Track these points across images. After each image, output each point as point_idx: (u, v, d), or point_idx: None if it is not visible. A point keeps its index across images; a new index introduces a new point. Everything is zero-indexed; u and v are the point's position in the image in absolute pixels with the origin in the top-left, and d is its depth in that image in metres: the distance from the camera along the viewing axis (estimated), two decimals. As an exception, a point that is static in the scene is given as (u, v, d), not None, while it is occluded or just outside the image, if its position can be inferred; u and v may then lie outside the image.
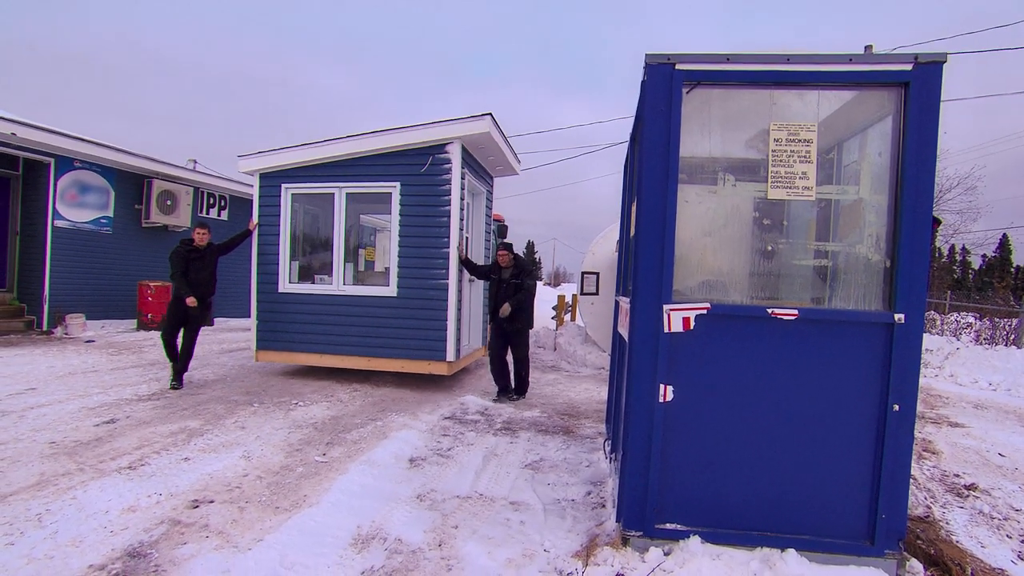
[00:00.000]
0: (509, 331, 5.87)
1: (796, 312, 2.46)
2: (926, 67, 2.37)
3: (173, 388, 5.68)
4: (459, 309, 6.26)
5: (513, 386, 6.12)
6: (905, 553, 2.51)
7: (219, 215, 12.51)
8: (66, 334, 9.03)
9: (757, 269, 2.72)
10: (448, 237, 6.10)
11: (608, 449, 3.86)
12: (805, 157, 2.53)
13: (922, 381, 7.45)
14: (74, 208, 9.52)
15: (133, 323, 10.34)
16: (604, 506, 3.22)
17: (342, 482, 3.39)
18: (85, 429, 4.24)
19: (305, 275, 6.99)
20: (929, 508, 3.46)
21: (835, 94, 2.61)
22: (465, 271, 6.35)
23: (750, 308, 2.53)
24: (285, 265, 6.62)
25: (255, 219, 6.68)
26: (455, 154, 6.09)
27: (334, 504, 3.09)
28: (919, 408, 5.17)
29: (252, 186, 6.82)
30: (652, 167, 2.53)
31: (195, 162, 12.56)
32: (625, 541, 2.58)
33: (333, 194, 6.50)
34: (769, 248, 2.71)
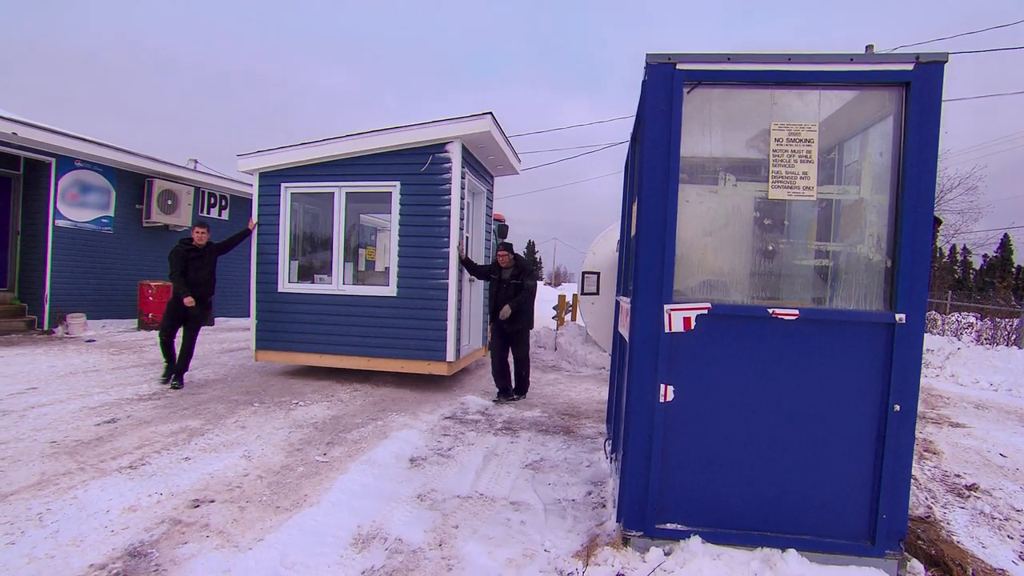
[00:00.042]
0: (509, 332, 5.86)
1: (797, 312, 2.46)
2: (927, 67, 2.37)
3: (174, 388, 5.68)
4: (459, 309, 6.24)
5: (514, 386, 6.11)
6: (906, 553, 2.51)
7: (220, 215, 12.51)
8: (67, 334, 9.03)
9: (758, 269, 2.71)
10: (448, 237, 6.09)
11: (609, 449, 3.86)
12: (806, 157, 2.52)
13: (923, 381, 7.45)
14: (75, 208, 9.52)
15: (134, 323, 10.34)
16: (605, 506, 3.21)
17: (343, 482, 3.39)
18: (86, 428, 4.24)
19: (305, 275, 6.98)
20: (930, 508, 3.45)
21: (836, 94, 2.60)
22: (465, 271, 6.33)
23: (751, 308, 2.53)
24: (284, 265, 6.61)
25: (254, 218, 6.66)
26: (455, 153, 6.08)
27: (335, 504, 3.09)
28: (920, 408, 5.16)
29: (252, 186, 6.80)
30: (653, 167, 2.53)
31: (196, 162, 12.57)
32: (626, 541, 2.57)
33: (333, 193, 6.49)
34: (770, 248, 2.71)
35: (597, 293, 9.10)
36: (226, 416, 4.79)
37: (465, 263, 6.22)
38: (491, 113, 6.15)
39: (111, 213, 10.15)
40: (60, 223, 9.28)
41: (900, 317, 2.39)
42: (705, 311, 2.51)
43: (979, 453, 4.76)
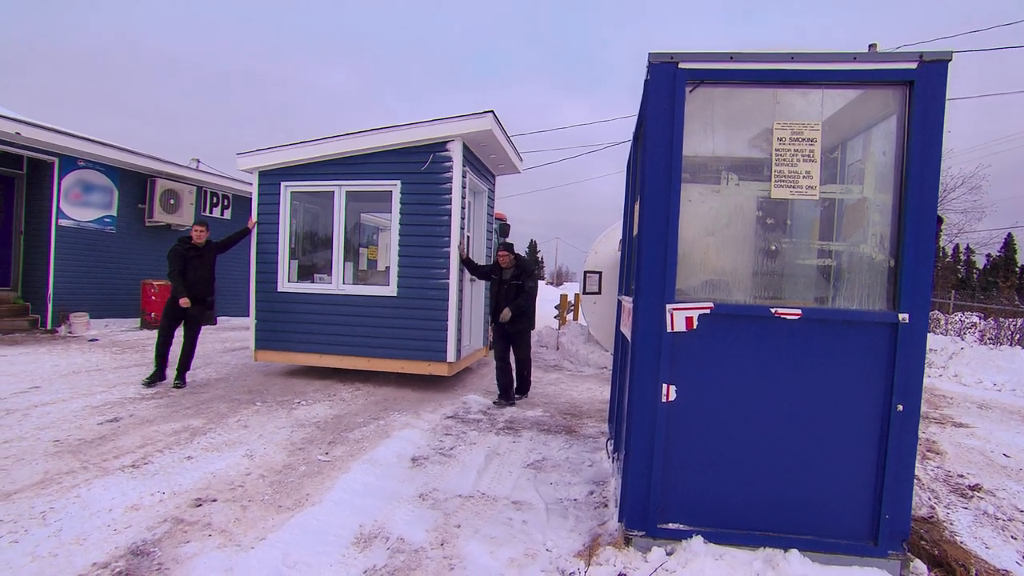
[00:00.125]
0: (511, 332, 5.83)
1: (800, 312, 2.46)
2: (931, 66, 2.36)
3: (176, 387, 5.69)
4: (460, 309, 6.22)
5: (515, 386, 6.09)
6: (909, 554, 2.50)
7: (222, 214, 12.53)
8: (70, 333, 9.06)
9: (760, 268, 2.71)
10: (449, 236, 6.07)
11: (611, 448, 3.86)
12: (809, 156, 2.52)
13: (926, 381, 7.43)
14: (78, 207, 9.55)
15: (137, 322, 10.37)
16: (607, 506, 3.21)
17: (344, 481, 3.39)
18: (89, 427, 4.25)
19: (305, 274, 6.96)
20: (933, 509, 3.44)
21: (839, 93, 2.59)
22: (466, 271, 6.32)
23: (753, 308, 2.52)
24: (284, 264, 6.59)
25: (254, 217, 6.64)
26: (456, 152, 6.05)
27: (336, 503, 3.09)
28: (923, 408, 5.15)
29: (252, 185, 6.79)
30: (655, 166, 2.52)
31: (198, 161, 12.59)
32: (628, 541, 2.57)
33: (333, 192, 6.47)
34: (772, 247, 2.70)
35: (599, 292, 9.09)
36: (228, 415, 4.80)
37: (466, 263, 6.20)
38: (492, 111, 6.13)
39: (114, 212, 10.17)
40: (63, 222, 9.30)
41: (903, 317, 2.38)
42: (707, 311, 2.50)
43: (982, 453, 4.74)
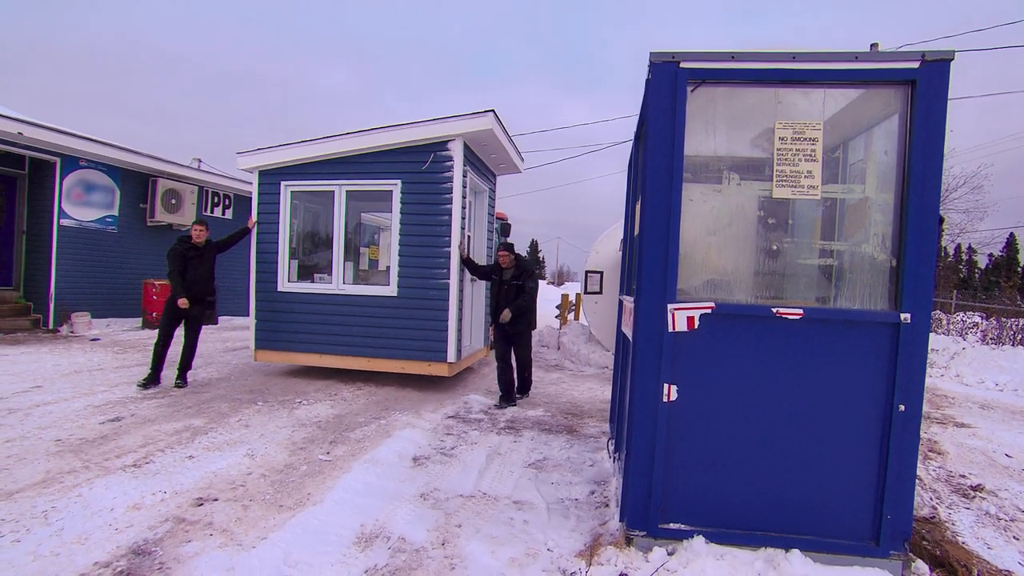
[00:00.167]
0: (511, 333, 5.81)
1: (801, 311, 2.45)
2: (933, 65, 2.36)
3: (177, 386, 5.69)
4: (460, 309, 6.21)
5: (516, 386, 6.08)
6: (910, 554, 2.50)
7: (223, 214, 12.55)
8: (72, 332, 9.08)
9: (762, 268, 2.70)
10: (449, 236, 6.05)
11: (612, 448, 3.86)
12: (810, 156, 2.51)
13: (928, 381, 7.42)
14: (80, 207, 9.57)
15: (138, 321, 10.39)
16: (608, 505, 3.21)
17: (346, 481, 3.40)
18: (90, 427, 4.26)
19: (305, 274, 6.95)
20: (935, 509, 3.44)
21: (841, 92, 2.59)
22: (467, 270, 6.31)
23: (755, 307, 2.52)
24: (284, 264, 6.58)
25: (254, 217, 6.63)
26: (457, 151, 6.04)
27: (338, 503, 3.09)
28: (925, 408, 5.14)
29: (252, 184, 6.78)
30: (656, 166, 2.52)
31: (200, 161, 12.61)
32: (629, 541, 2.57)
33: (333, 192, 6.45)
34: (774, 247, 2.70)
35: (600, 292, 9.09)
36: (229, 415, 4.80)
37: (466, 263, 6.19)
38: (493, 111, 6.11)
39: (115, 212, 10.19)
40: (65, 222, 9.32)
41: (905, 317, 2.38)
42: (709, 310, 2.50)
43: (984, 453, 4.74)
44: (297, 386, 6.11)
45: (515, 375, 5.99)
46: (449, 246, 6.06)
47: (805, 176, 2.51)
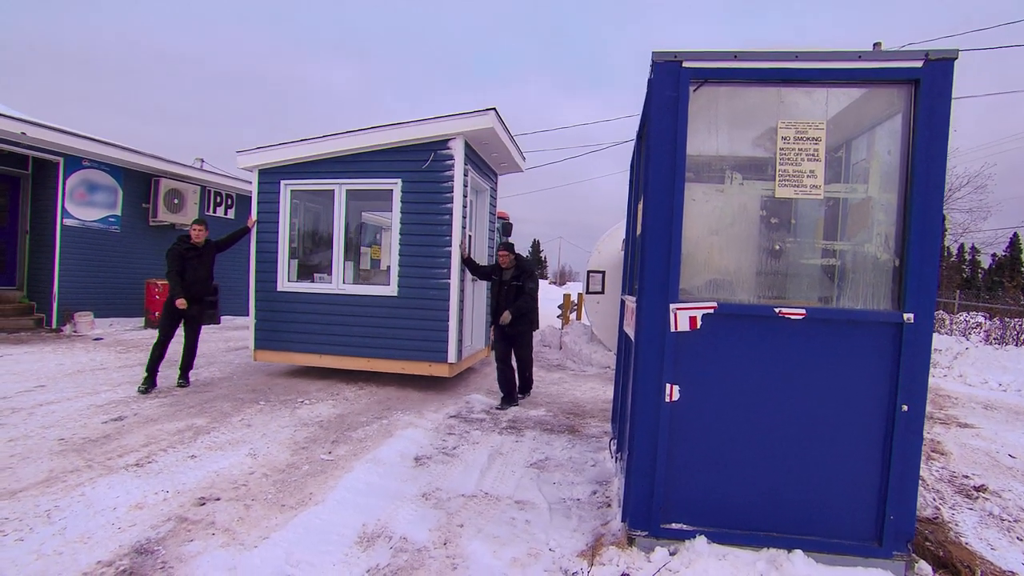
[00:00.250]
0: (512, 334, 5.78)
1: (804, 311, 2.45)
2: (937, 64, 2.35)
3: (180, 386, 5.70)
4: (461, 309, 6.19)
5: (518, 388, 6.05)
6: (913, 555, 2.49)
7: (226, 213, 12.57)
8: (75, 332, 9.10)
9: (764, 268, 2.70)
10: (450, 236, 6.02)
11: (614, 448, 3.85)
12: (813, 155, 2.51)
13: (931, 381, 7.39)
14: (83, 207, 9.59)
15: (141, 321, 10.41)
16: (610, 505, 3.21)
17: (348, 480, 3.40)
18: (93, 426, 4.27)
19: (305, 274, 6.92)
20: (938, 509, 3.43)
21: (844, 92, 2.58)
22: (467, 270, 6.29)
23: (757, 307, 2.51)
24: (284, 263, 6.56)
25: (254, 216, 6.61)
26: (458, 150, 6.01)
27: (340, 502, 3.10)
28: (928, 408, 5.13)
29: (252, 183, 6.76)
30: (659, 165, 2.52)
31: (202, 161, 12.64)
32: (631, 541, 2.57)
33: (333, 191, 6.43)
34: (776, 247, 2.69)
35: (602, 292, 9.08)
36: (232, 414, 4.81)
37: (467, 263, 6.16)
38: (495, 109, 6.07)
39: (118, 212, 10.21)
40: (68, 222, 9.35)
41: (908, 317, 2.37)
42: (711, 310, 2.50)
43: (988, 454, 4.72)
44: (299, 386, 6.12)
45: (516, 375, 5.96)
46: (450, 245, 6.03)
47: (808, 176, 2.51)
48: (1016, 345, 11.35)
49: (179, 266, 5.60)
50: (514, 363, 5.93)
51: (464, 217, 6.18)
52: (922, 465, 3.65)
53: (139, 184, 10.55)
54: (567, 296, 11.90)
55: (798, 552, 2.42)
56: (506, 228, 11.65)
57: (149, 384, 5.48)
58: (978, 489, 3.83)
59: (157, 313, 9.96)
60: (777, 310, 2.46)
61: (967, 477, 4.09)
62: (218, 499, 3.11)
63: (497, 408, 5.61)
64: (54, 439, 3.93)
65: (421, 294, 6.10)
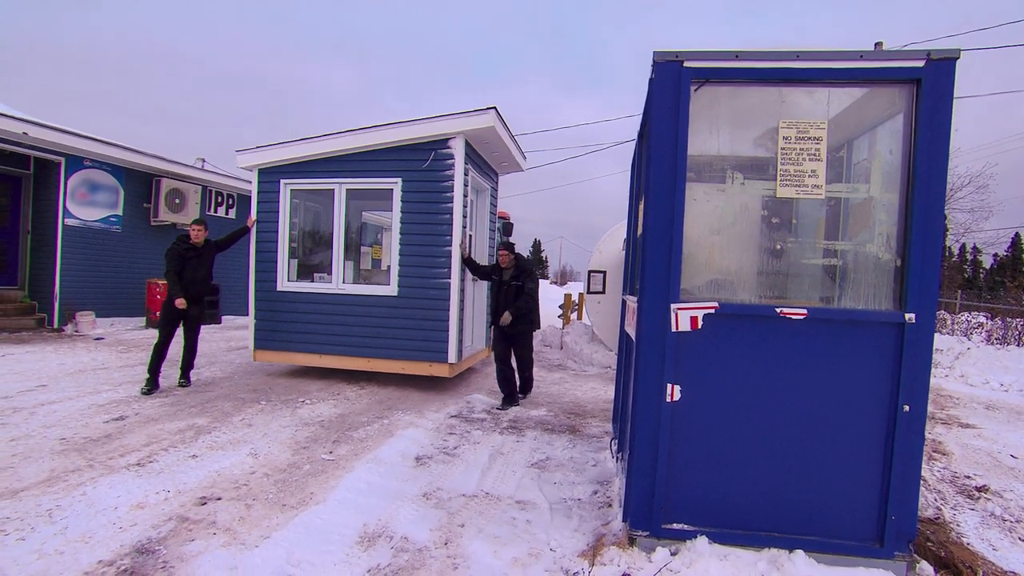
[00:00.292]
0: (512, 334, 5.76)
1: (805, 311, 2.44)
2: (939, 63, 2.34)
3: (181, 386, 5.70)
4: (461, 309, 6.17)
5: (518, 388, 6.04)
6: (915, 555, 2.48)
7: (227, 213, 12.57)
8: (76, 331, 9.12)
9: (766, 268, 2.69)
10: (450, 235, 6.01)
11: (615, 448, 3.85)
12: (815, 155, 2.50)
13: (932, 381, 7.38)
14: (84, 207, 9.60)
15: (142, 320, 10.42)
16: (611, 505, 3.21)
17: (349, 480, 3.40)
18: (95, 426, 4.28)
19: (305, 273, 6.90)
20: (939, 510, 3.42)
21: (845, 91, 2.58)
22: (468, 270, 6.28)
23: (759, 307, 2.51)
24: (284, 263, 6.54)
25: (253, 215, 6.60)
26: (458, 149, 5.99)
27: (341, 502, 3.10)
28: (929, 409, 5.11)
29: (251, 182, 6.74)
30: (660, 165, 2.52)
31: (203, 160, 12.65)
32: (632, 541, 2.57)
33: (333, 190, 6.42)
34: (778, 247, 2.69)
35: (603, 292, 9.07)
36: (233, 414, 4.81)
37: (467, 262, 6.14)
38: (495, 108, 6.04)
39: (119, 212, 10.22)
40: (69, 222, 9.36)
41: (910, 317, 2.37)
42: (712, 310, 2.49)
43: (989, 454, 4.71)
44: (300, 385, 6.12)
45: (516, 376, 5.95)
46: (450, 245, 6.01)
47: (809, 175, 2.50)
48: (1018, 345, 11.33)
49: (178, 266, 5.59)
50: (514, 363, 5.91)
51: (464, 217, 6.17)
52: (923, 465, 3.64)
53: (140, 184, 10.57)
54: (568, 296, 11.89)
55: (799, 552, 2.42)
56: (507, 228, 11.65)
57: (151, 385, 5.47)
58: (980, 489, 3.82)
59: (158, 313, 9.98)
60: (778, 310, 2.46)
61: (969, 477, 4.08)
62: (219, 499, 3.11)
63: (498, 408, 5.60)
64: (56, 438, 3.94)
65: (421, 294, 6.09)
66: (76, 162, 9.43)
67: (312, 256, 7.27)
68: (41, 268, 9.39)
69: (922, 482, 3.64)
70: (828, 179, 2.52)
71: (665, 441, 2.53)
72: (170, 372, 5.94)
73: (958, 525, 3.22)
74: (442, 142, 6.03)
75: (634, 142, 3.93)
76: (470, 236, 6.62)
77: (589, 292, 9.26)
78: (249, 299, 6.70)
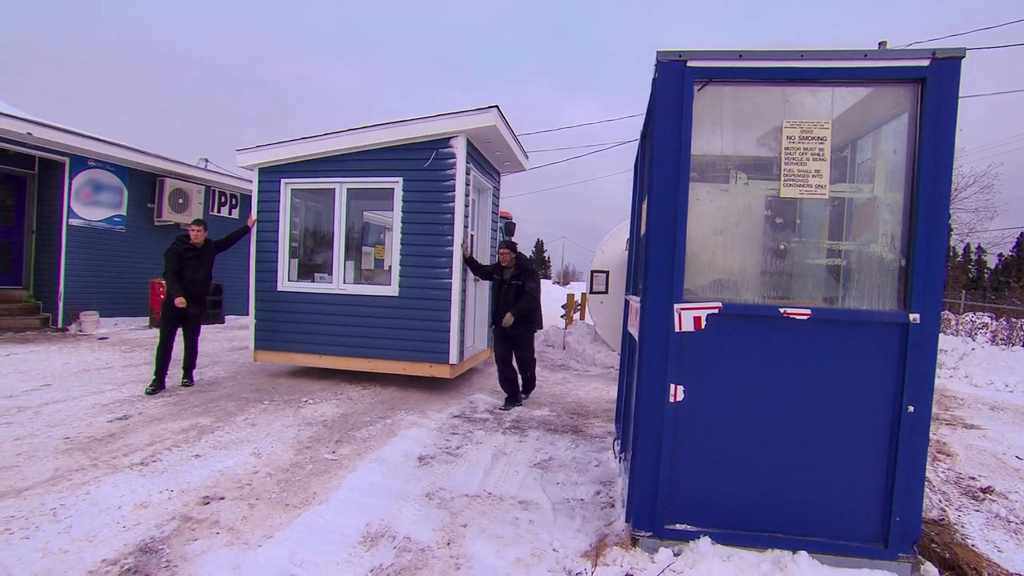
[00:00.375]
0: (512, 334, 5.72)
1: (809, 312, 2.44)
2: (944, 63, 2.33)
3: (184, 385, 5.72)
4: (463, 310, 6.15)
5: (521, 388, 6.02)
6: (919, 557, 2.47)
7: (230, 213, 12.61)
8: (80, 331, 9.15)
9: (769, 268, 2.69)
10: (452, 235, 5.98)
11: (618, 448, 3.85)
12: (818, 155, 2.49)
13: (936, 382, 7.35)
14: (88, 207, 9.64)
15: (145, 320, 10.46)
16: (613, 506, 3.20)
17: (351, 480, 3.40)
18: (98, 425, 4.29)
19: (305, 273, 6.89)
20: (944, 511, 3.41)
21: (849, 91, 2.57)
22: (469, 270, 6.26)
23: (762, 307, 2.50)
24: (284, 263, 6.53)
25: (254, 215, 6.59)
26: (460, 148, 5.97)
27: (343, 502, 3.10)
28: (933, 409, 5.09)
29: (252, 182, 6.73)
30: (663, 165, 2.51)
31: (206, 160, 12.67)
32: (635, 541, 2.56)
33: (334, 189, 6.40)
34: (781, 247, 2.68)
35: (606, 292, 9.07)
36: (236, 414, 4.82)
37: (469, 262, 6.11)
38: (497, 107, 6.00)
39: (123, 212, 10.26)
40: (74, 222, 9.40)
41: (914, 317, 2.36)
42: (716, 310, 2.49)
43: (994, 455, 4.69)
44: (303, 385, 6.13)
45: (518, 377, 5.92)
46: (452, 245, 5.99)
47: (813, 175, 2.49)
48: (1023, 346, 11.27)
49: (176, 266, 5.59)
50: (515, 364, 5.90)
51: (466, 216, 6.15)
52: (928, 466, 3.64)
53: (144, 184, 10.60)
54: (571, 296, 11.89)
55: (803, 553, 2.41)
56: (509, 228, 11.65)
57: (157, 386, 5.49)
58: (984, 491, 3.80)
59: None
60: (782, 310, 2.45)
61: (973, 478, 4.06)
62: (222, 498, 3.11)
63: (501, 408, 5.60)
64: (60, 438, 3.95)
65: (422, 294, 6.07)
66: (80, 162, 9.47)
67: (313, 256, 7.26)
68: (45, 268, 9.43)
69: (926, 483, 3.63)
70: (832, 179, 2.51)
71: (668, 441, 2.52)
72: (173, 372, 5.96)
73: (963, 526, 3.20)
74: (443, 141, 6.01)
75: (637, 142, 3.93)
76: (472, 236, 6.60)
77: (592, 292, 9.26)
78: (249, 299, 6.69)
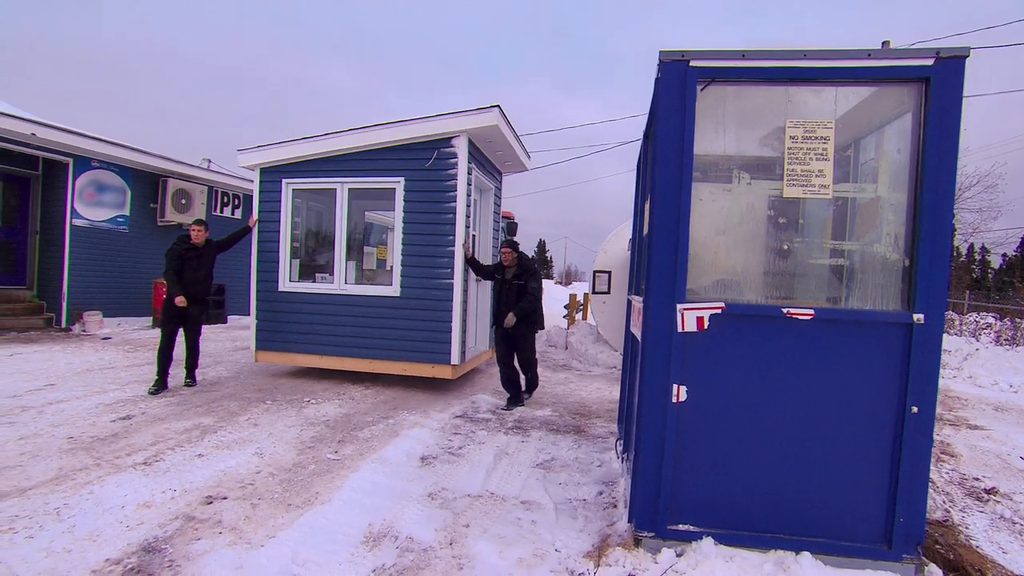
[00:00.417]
0: (513, 334, 5.71)
1: (812, 312, 2.43)
2: (948, 62, 2.32)
3: (187, 385, 5.73)
4: (464, 310, 6.14)
5: (523, 387, 6.02)
6: (923, 558, 2.46)
7: (232, 214, 12.63)
8: (84, 331, 9.18)
9: (772, 268, 2.68)
10: (453, 235, 5.98)
11: (620, 449, 3.84)
12: (822, 155, 2.49)
13: (940, 383, 7.33)
14: (92, 207, 9.67)
15: (148, 320, 10.49)
16: (616, 506, 3.20)
17: (354, 480, 3.40)
18: (102, 425, 4.30)
19: (307, 273, 6.88)
20: (948, 512, 3.39)
21: (853, 90, 2.56)
22: (471, 270, 6.25)
23: (765, 308, 2.50)
24: (285, 263, 6.53)
25: (255, 215, 6.59)
26: (461, 148, 5.95)
27: (346, 502, 3.10)
28: (937, 410, 5.08)
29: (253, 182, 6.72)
30: (666, 165, 2.51)
31: (209, 161, 12.70)
32: (637, 542, 2.56)
33: (335, 189, 6.39)
34: (784, 247, 2.67)
35: (608, 292, 9.06)
36: (238, 414, 4.83)
37: (470, 262, 6.10)
38: (499, 106, 5.99)
39: (126, 212, 10.29)
40: (77, 222, 9.43)
41: (918, 317, 2.35)
42: (718, 311, 2.48)
43: (998, 456, 4.67)
44: (305, 385, 6.14)
45: (520, 377, 5.91)
46: (453, 245, 5.98)
47: (816, 175, 2.49)
48: (1027, 346, 11.22)
49: (177, 265, 5.59)
50: (516, 364, 5.89)
51: (468, 216, 6.14)
52: (932, 467, 3.62)
53: (147, 184, 10.63)
54: (573, 296, 11.89)
55: (806, 554, 2.40)
56: (511, 228, 11.65)
57: (160, 386, 5.49)
58: (989, 492, 3.79)
59: (163, 313, 10.04)
60: (785, 310, 2.44)
61: (977, 479, 4.04)
62: (225, 498, 3.12)
63: (503, 408, 5.59)
64: (63, 437, 3.96)
65: (424, 295, 6.06)
66: (84, 163, 9.50)
67: (314, 256, 7.26)
68: (49, 268, 9.46)
69: (930, 484, 3.61)
70: (835, 179, 2.51)
71: (671, 442, 2.52)
72: (176, 372, 5.97)
73: (967, 527, 3.19)
74: (445, 141, 6.00)
75: (639, 142, 3.92)
76: (473, 236, 6.59)
77: (594, 292, 9.26)
78: (251, 299, 6.69)
